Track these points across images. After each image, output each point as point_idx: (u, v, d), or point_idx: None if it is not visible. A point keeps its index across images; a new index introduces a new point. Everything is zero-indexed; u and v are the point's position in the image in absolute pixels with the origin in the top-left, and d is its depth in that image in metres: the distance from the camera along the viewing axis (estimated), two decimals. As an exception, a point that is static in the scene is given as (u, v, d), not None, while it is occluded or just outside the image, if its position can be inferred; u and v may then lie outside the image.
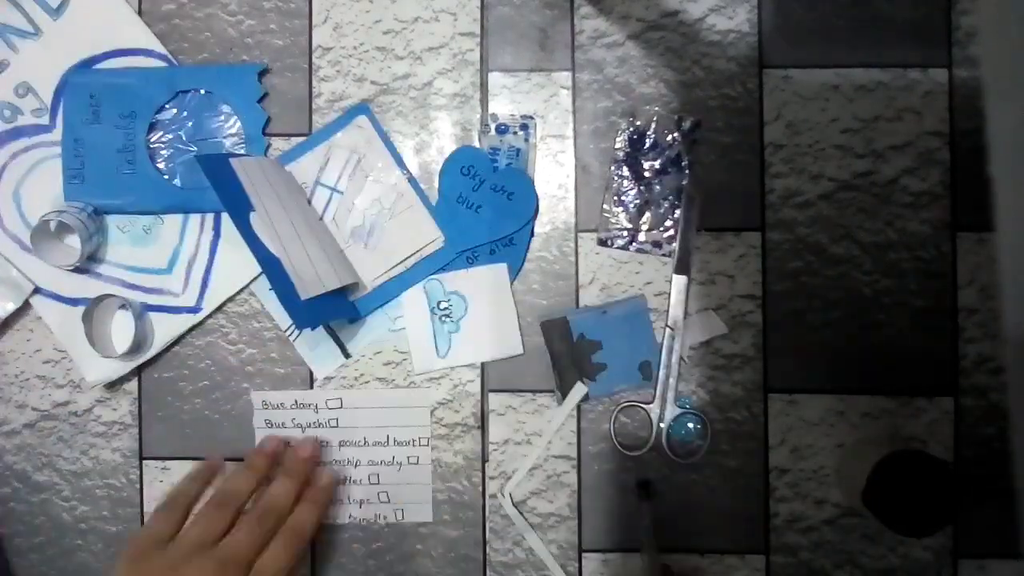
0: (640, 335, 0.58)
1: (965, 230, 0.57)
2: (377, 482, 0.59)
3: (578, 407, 0.58)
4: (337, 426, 0.60)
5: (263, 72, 0.60)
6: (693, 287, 0.58)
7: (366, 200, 0.60)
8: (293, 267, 0.54)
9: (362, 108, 0.60)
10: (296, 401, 0.60)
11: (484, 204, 0.59)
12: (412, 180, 0.60)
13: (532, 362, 0.59)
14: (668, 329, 0.57)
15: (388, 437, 0.59)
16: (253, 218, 0.55)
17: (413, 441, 0.59)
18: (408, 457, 0.59)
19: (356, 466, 0.60)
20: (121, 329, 0.60)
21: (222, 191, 0.54)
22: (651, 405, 0.58)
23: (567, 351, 0.58)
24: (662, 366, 0.57)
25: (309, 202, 0.59)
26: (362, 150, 0.60)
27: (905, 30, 0.58)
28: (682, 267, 0.58)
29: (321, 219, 0.59)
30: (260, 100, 0.60)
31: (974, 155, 0.57)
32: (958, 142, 0.57)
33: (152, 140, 0.60)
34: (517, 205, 0.58)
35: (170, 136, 0.60)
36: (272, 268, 0.54)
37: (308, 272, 0.55)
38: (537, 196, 0.59)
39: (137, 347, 0.59)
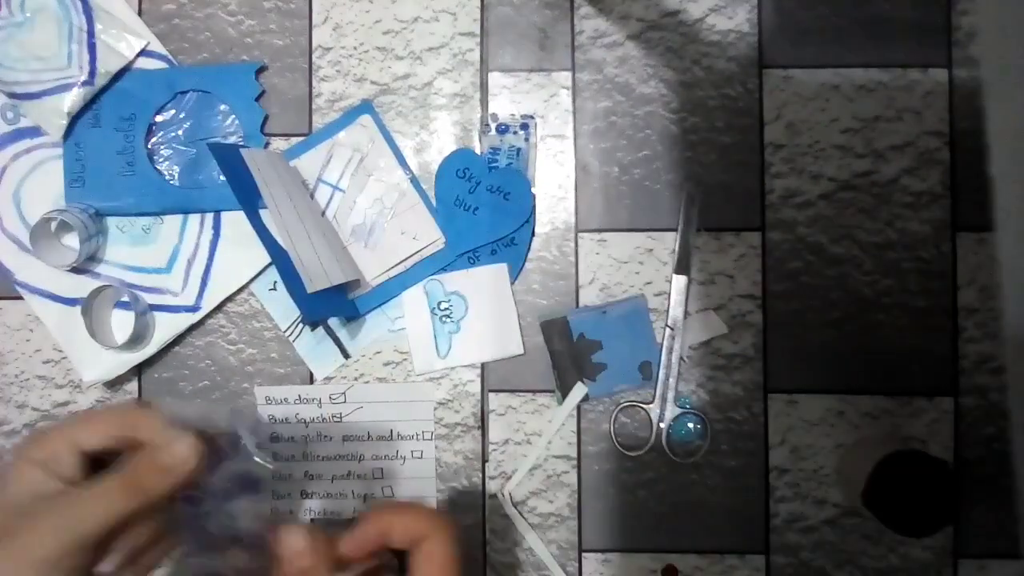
0: (640, 335, 0.58)
1: (965, 230, 0.57)
2: (381, 476, 0.59)
3: (578, 407, 0.58)
4: (341, 420, 0.60)
5: (260, 70, 0.60)
6: (693, 287, 0.58)
7: (368, 199, 0.60)
8: (300, 260, 0.54)
9: (366, 107, 0.60)
10: (300, 396, 0.60)
11: (481, 205, 0.59)
12: (414, 180, 0.60)
13: (532, 362, 0.59)
14: (668, 329, 0.57)
15: (392, 431, 0.59)
16: (263, 209, 0.55)
17: (417, 435, 0.59)
18: (412, 451, 0.59)
19: (360, 461, 0.59)
20: (121, 324, 0.60)
21: (234, 181, 0.54)
22: (651, 405, 0.58)
23: (567, 351, 0.57)
24: (662, 366, 0.57)
25: (311, 198, 0.59)
26: (365, 149, 0.60)
27: (905, 30, 0.58)
28: (682, 267, 0.58)
29: (323, 215, 0.59)
30: (258, 98, 0.60)
31: (974, 155, 0.57)
32: (958, 142, 0.57)
33: (151, 141, 0.60)
34: (514, 205, 0.58)
35: (169, 137, 0.60)
36: (280, 259, 0.54)
37: (314, 266, 0.55)
38: (533, 195, 0.59)
39: (137, 338, 0.58)
